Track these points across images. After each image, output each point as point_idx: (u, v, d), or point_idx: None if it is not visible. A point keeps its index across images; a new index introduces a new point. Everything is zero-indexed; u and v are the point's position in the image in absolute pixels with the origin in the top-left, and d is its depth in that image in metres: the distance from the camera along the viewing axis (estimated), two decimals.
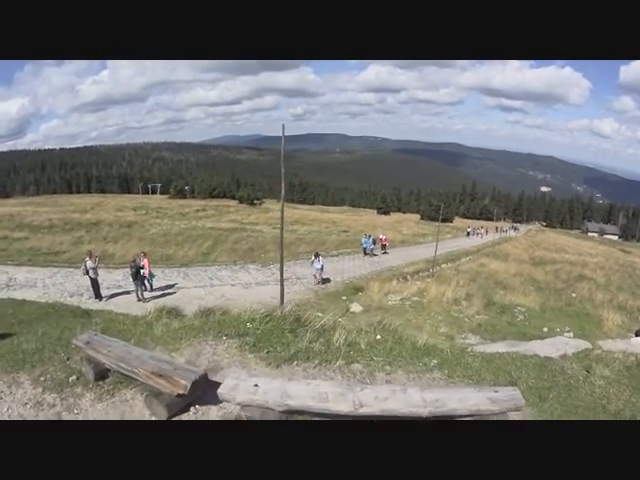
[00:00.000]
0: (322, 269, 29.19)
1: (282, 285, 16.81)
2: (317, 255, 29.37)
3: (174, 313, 14.26)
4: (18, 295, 20.86)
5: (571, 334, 21.29)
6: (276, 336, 10.93)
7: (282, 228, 16.49)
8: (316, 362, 9.83)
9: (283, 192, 16.48)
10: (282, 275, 16.76)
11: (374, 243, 43.82)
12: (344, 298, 26.18)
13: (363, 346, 10.78)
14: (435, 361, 10.37)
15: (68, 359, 9.46)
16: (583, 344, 14.28)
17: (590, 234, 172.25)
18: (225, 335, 10.89)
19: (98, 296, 21.68)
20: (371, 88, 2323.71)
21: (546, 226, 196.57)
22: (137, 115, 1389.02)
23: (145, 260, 23.29)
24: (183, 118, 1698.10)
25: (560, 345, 13.67)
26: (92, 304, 20.56)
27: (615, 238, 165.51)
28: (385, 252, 45.71)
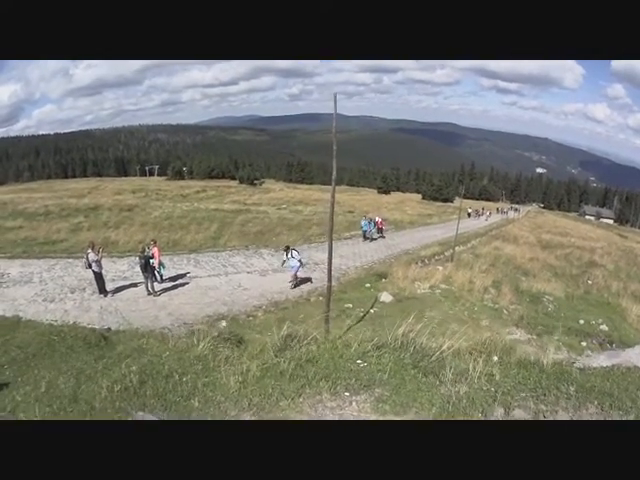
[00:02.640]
0: (299, 267, 22.90)
1: (330, 269, 14.00)
2: (288, 249, 22.71)
3: (233, 340, 11.30)
4: (11, 293, 19.08)
5: (605, 327, 21.89)
6: (410, 381, 8.05)
7: (332, 212, 13.73)
8: (480, 417, 7.16)
9: (334, 173, 13.21)
10: (330, 259, 13.94)
11: (374, 226, 41.54)
12: (368, 285, 24.76)
13: (498, 377, 8.33)
14: (572, 388, 8.12)
15: None
16: None
17: (587, 217, 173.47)
18: (346, 388, 7.74)
19: (103, 291, 19.43)
20: (367, 68, 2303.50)
21: (544, 208, 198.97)
22: (132, 98, 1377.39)
23: (155, 249, 21.20)
24: (179, 100, 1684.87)
25: None
26: (96, 301, 18.78)
27: (610, 222, 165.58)
28: (381, 236, 43.05)
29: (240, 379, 7.82)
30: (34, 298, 18.60)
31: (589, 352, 17.01)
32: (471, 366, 8.46)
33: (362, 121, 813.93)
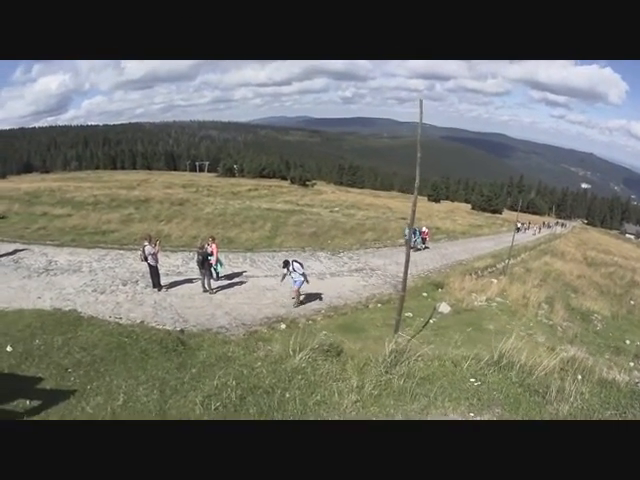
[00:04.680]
0: (303, 282, 19.01)
1: (405, 278, 13.14)
2: (287, 263, 18.86)
3: (332, 353, 10.43)
4: (59, 281, 18.57)
5: None
6: (524, 400, 8.62)
7: (412, 220, 12.96)
8: None
9: (418, 181, 12.47)
10: (406, 269, 13.17)
11: (419, 235, 39.71)
12: (425, 295, 24.40)
13: (587, 396, 9.16)
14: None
15: None
16: None
17: (628, 236, 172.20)
18: (469, 409, 7.90)
19: (157, 285, 18.90)
20: (420, 74, 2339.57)
21: (587, 224, 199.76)
22: (184, 93, 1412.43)
23: (213, 245, 20.51)
24: (231, 97, 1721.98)
25: None
26: (150, 295, 18.18)
27: None
28: (426, 247, 40.96)
29: (355, 398, 7.61)
30: (83, 288, 18.08)
31: (637, 372, 16.83)
32: (567, 385, 9.21)
33: (413, 127, 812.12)
